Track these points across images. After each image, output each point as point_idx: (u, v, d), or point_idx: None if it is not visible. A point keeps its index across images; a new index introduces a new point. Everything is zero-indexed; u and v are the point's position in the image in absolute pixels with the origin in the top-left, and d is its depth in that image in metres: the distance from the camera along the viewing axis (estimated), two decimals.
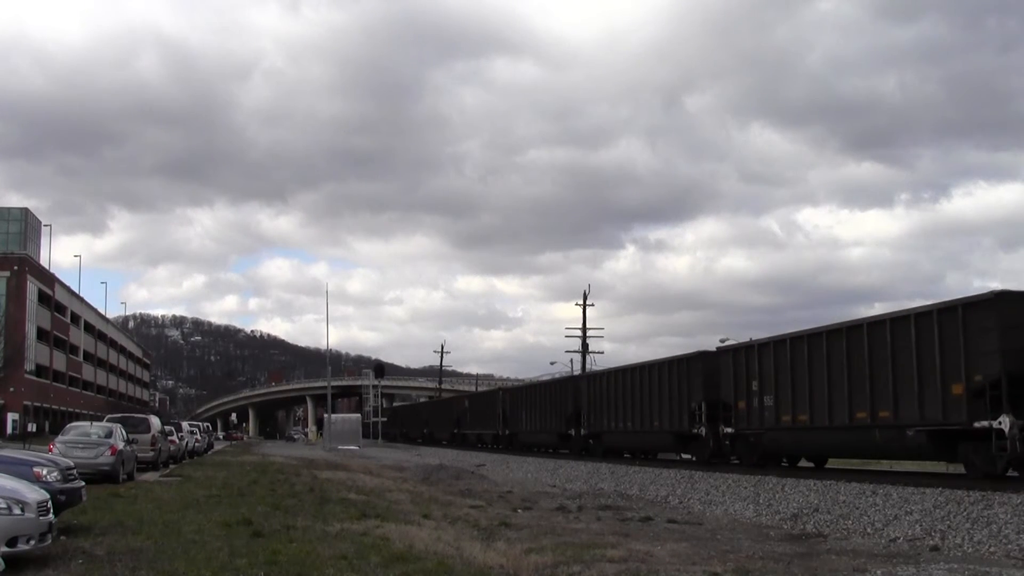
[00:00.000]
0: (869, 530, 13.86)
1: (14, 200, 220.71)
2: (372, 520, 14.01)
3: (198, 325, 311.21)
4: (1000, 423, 14.74)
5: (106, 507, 14.79)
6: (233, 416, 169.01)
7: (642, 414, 27.91)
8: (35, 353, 69.91)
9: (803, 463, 23.29)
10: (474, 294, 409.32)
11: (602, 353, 75.08)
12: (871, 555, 11.43)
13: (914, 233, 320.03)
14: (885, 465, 24.44)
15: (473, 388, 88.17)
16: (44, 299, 75.11)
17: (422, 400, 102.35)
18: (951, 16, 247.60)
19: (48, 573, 8.89)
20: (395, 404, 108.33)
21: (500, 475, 30.19)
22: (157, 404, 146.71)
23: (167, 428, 34.28)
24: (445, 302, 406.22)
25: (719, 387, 23.39)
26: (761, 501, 17.48)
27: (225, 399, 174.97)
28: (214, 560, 9.54)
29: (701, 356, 25.11)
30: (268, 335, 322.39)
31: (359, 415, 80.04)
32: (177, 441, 35.31)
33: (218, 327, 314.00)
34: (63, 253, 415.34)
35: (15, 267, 68.91)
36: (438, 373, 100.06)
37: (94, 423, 25.89)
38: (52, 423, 68.00)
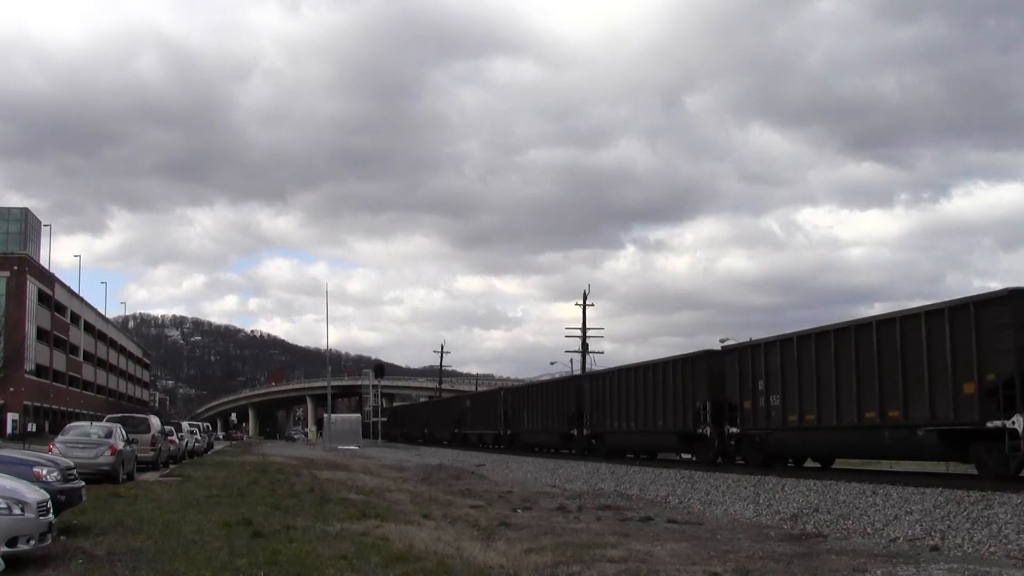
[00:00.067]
0: (869, 530, 13.87)
1: (14, 200, 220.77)
2: (372, 520, 14.01)
3: (198, 325, 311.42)
4: (1014, 423, 14.52)
5: (106, 507, 14.79)
6: (233, 416, 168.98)
7: (645, 414, 27.74)
8: (35, 353, 69.90)
9: (809, 463, 23.09)
10: (474, 294, 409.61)
11: (602, 353, 75.04)
12: (871, 555, 11.44)
13: (914, 233, 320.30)
14: (885, 465, 24.37)
15: (473, 388, 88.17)
16: (44, 299, 75.11)
17: (422, 400, 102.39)
18: (951, 16, 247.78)
19: (48, 573, 8.89)
20: (395, 404, 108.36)
21: (500, 475, 30.19)
22: (157, 404, 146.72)
23: (167, 428, 34.28)
24: (445, 302, 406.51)
25: (724, 387, 23.22)
26: (761, 501, 17.48)
27: (225, 399, 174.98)
28: (214, 560, 9.54)
29: (706, 355, 24.93)
30: (268, 335, 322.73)
31: (359, 415, 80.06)
32: (177, 441, 35.31)
33: (218, 327, 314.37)
34: (63, 253, 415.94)
35: (15, 267, 68.89)
36: (438, 373, 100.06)
37: (94, 423, 25.90)
38: (52, 423, 67.99)
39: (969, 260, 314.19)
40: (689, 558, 11.02)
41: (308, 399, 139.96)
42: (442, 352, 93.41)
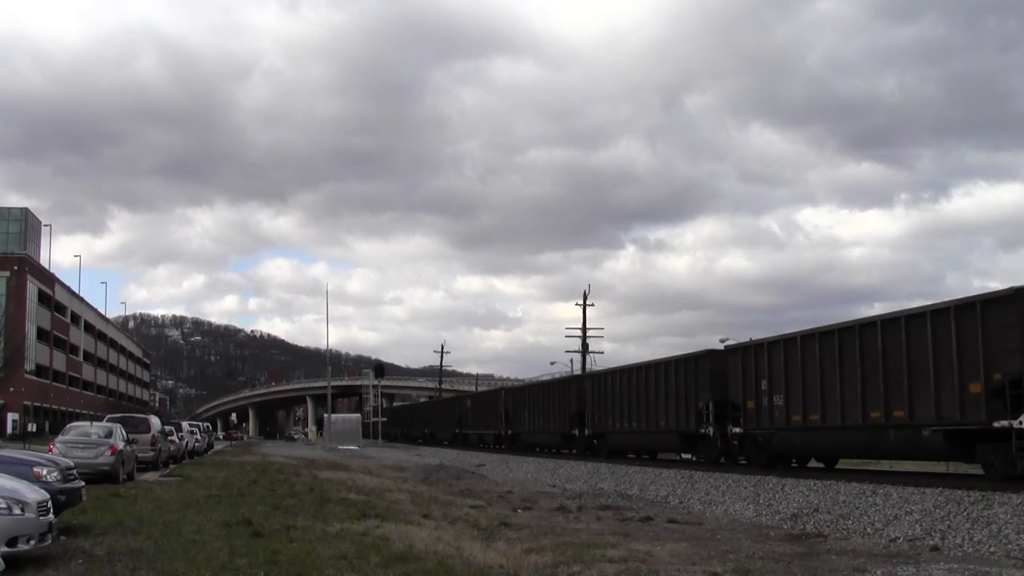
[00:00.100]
0: (869, 530, 13.87)
1: (14, 200, 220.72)
2: (372, 520, 14.01)
3: (198, 325, 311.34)
4: (1021, 423, 14.37)
5: (106, 507, 14.79)
6: (233, 416, 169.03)
7: (648, 414, 27.60)
8: (35, 353, 69.90)
9: (812, 464, 22.94)
10: (474, 294, 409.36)
11: (602, 353, 74.95)
12: (871, 555, 11.44)
13: (914, 233, 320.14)
14: (885, 465, 24.33)
15: (473, 388, 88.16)
16: (44, 299, 75.12)
17: (422, 400, 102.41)
18: (950, 16, 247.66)
19: (48, 573, 8.89)
20: (395, 404, 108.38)
21: (500, 475, 30.20)
22: (157, 404, 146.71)
23: (167, 428, 34.28)
24: (445, 302, 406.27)
25: (727, 386, 23.09)
26: (761, 501, 17.48)
27: (225, 399, 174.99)
28: (214, 560, 9.54)
29: (708, 355, 24.81)
30: (268, 335, 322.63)
31: (359, 415, 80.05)
32: (177, 441, 35.31)
33: (218, 327, 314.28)
34: (63, 253, 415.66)
35: (15, 267, 68.91)
36: (438, 373, 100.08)
37: (94, 423, 25.90)
38: (52, 423, 67.99)
39: (969, 260, 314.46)
40: (689, 558, 11.02)
41: (308, 399, 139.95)
42: (442, 352, 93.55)
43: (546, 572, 9.85)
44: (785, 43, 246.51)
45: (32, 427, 62.95)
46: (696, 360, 25.12)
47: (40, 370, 72.94)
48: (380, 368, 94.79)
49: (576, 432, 34.21)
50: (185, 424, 44.62)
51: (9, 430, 59.17)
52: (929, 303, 17.35)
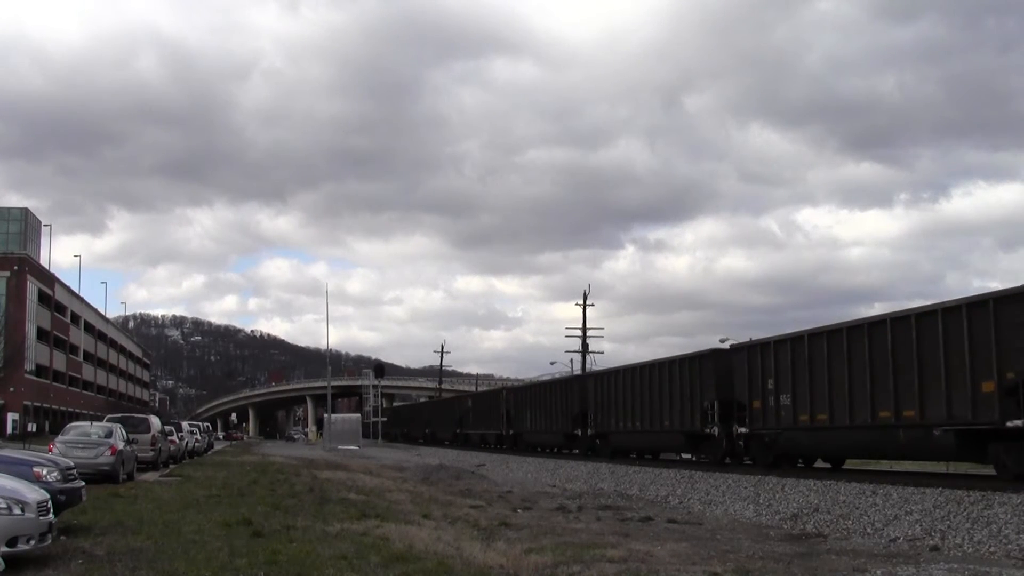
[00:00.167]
0: (869, 530, 13.86)
1: (14, 200, 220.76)
2: (372, 520, 14.01)
3: (198, 325, 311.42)
4: None
5: (106, 507, 14.79)
6: (233, 416, 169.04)
7: (651, 414, 27.32)
8: (35, 353, 69.90)
9: (819, 464, 22.70)
10: (474, 294, 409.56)
11: (602, 353, 74.96)
12: (871, 555, 11.44)
13: (914, 233, 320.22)
14: (885, 465, 24.30)
15: (473, 388, 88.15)
16: (44, 299, 75.13)
17: (422, 400, 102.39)
18: (950, 16, 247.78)
19: (48, 573, 8.89)
20: (395, 404, 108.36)
21: (500, 475, 30.19)
22: (157, 404, 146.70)
23: (167, 428, 34.29)
24: (445, 302, 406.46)
25: (733, 386, 22.80)
26: (761, 501, 17.48)
27: (225, 399, 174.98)
28: (214, 560, 9.54)
29: (713, 354, 24.60)
30: (268, 335, 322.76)
31: (359, 415, 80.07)
32: (177, 441, 35.32)
33: (218, 327, 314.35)
34: (63, 253, 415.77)
35: (15, 267, 68.92)
36: (438, 373, 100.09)
37: (94, 423, 25.91)
38: (52, 423, 68.00)
39: (969, 260, 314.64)
40: (689, 558, 11.02)
41: (308, 399, 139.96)
42: (442, 352, 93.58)
43: (546, 572, 9.85)
44: (785, 43, 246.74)
45: (32, 427, 62.94)
46: (701, 359, 24.86)
47: (40, 370, 72.94)
48: (380, 368, 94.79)
49: (579, 432, 33.97)
50: (185, 424, 44.63)
51: (9, 430, 59.16)
52: (930, 303, 17.25)
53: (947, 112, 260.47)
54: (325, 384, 72.30)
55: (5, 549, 8.77)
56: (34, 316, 71.59)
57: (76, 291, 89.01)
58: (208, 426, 64.36)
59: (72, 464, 13.27)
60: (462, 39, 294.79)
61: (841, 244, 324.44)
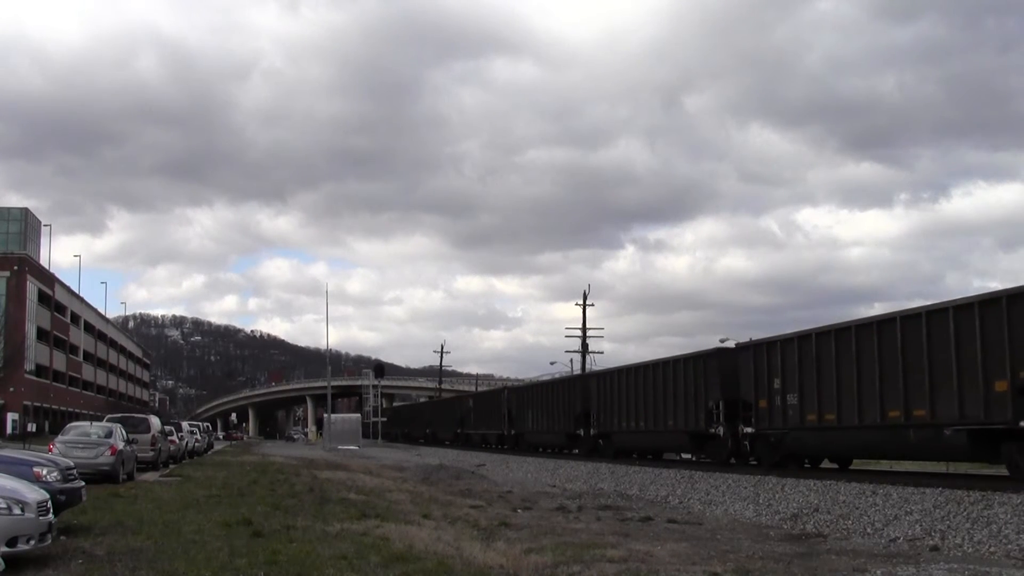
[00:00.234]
0: (869, 530, 13.86)
1: (14, 200, 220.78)
2: (372, 520, 14.01)
3: (198, 325, 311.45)
4: None
5: (106, 507, 14.79)
6: (233, 416, 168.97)
7: (655, 413, 27.08)
8: (35, 353, 69.92)
9: (825, 464, 22.44)
10: (474, 294, 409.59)
11: (602, 353, 74.98)
12: (871, 555, 11.43)
13: (913, 233, 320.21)
14: (885, 465, 24.28)
15: (473, 388, 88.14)
16: (44, 299, 75.14)
17: (422, 400, 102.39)
18: (950, 16, 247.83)
19: (48, 573, 8.89)
20: (395, 404, 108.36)
21: (500, 475, 30.18)
22: (157, 404, 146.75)
23: (167, 428, 34.28)
24: (445, 302, 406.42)
25: (738, 385, 22.59)
26: (761, 501, 17.47)
27: (225, 399, 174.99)
28: (214, 560, 9.54)
29: (718, 353, 24.41)
30: (268, 335, 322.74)
31: (359, 415, 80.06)
32: (177, 441, 35.32)
33: (218, 327, 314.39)
34: (63, 253, 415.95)
35: (15, 267, 68.94)
36: (438, 373, 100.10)
37: (94, 423, 25.91)
38: (52, 423, 68.00)
39: (969, 260, 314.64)
40: (689, 558, 11.02)
41: (308, 399, 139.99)
42: (442, 352, 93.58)
43: (546, 572, 9.85)
44: (785, 43, 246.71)
45: (32, 427, 62.94)
46: (706, 358, 24.63)
47: (40, 370, 72.95)
48: (380, 368, 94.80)
49: (581, 432, 33.71)
50: (185, 424, 44.63)
51: (9, 430, 59.17)
52: (930, 303, 17.12)
53: (947, 112, 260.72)
54: (325, 384, 72.30)
55: (5, 549, 8.77)
56: (34, 316, 71.60)
57: (76, 291, 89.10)
58: (208, 426, 64.36)
59: (72, 464, 13.26)
60: (462, 39, 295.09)
61: (841, 244, 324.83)
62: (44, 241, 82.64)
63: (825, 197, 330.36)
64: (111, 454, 21.33)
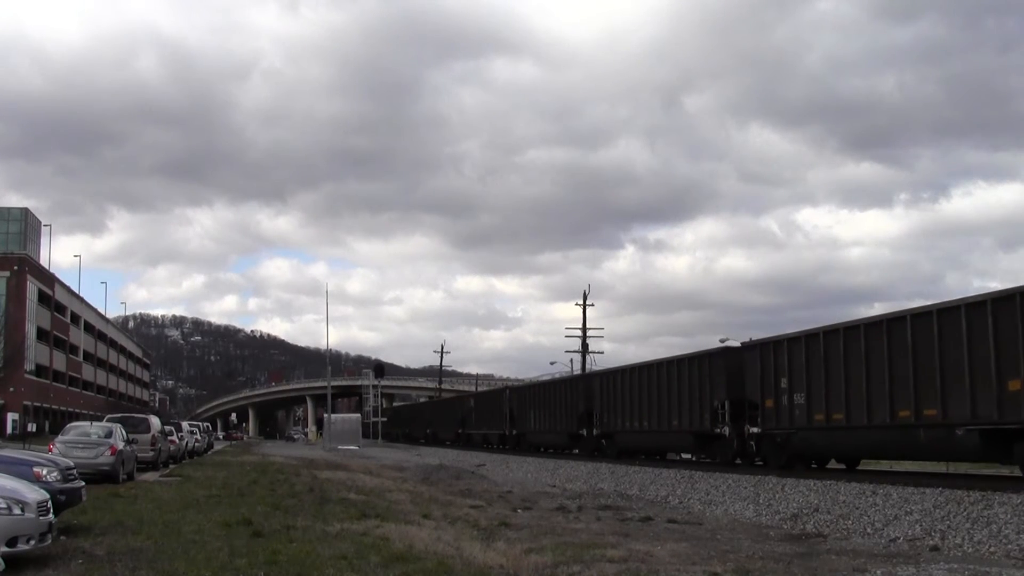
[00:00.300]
0: (869, 530, 13.86)
1: (14, 200, 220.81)
2: (372, 520, 14.01)
3: (198, 325, 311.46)
4: None
5: (106, 507, 14.79)
6: (233, 416, 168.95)
7: (659, 413, 26.83)
8: (35, 353, 69.92)
9: (832, 465, 22.24)
10: (473, 294, 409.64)
11: (602, 353, 74.83)
12: (871, 555, 11.43)
13: (913, 233, 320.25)
14: (885, 465, 24.25)
15: (473, 388, 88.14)
16: (44, 299, 75.14)
17: (422, 400, 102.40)
18: (950, 16, 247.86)
19: (48, 573, 8.89)
20: (395, 404, 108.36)
21: (500, 475, 30.18)
22: (157, 404, 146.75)
23: (167, 428, 34.28)
24: (445, 302, 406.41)
25: (744, 384, 22.34)
26: (761, 501, 17.47)
27: (225, 399, 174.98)
28: (214, 560, 9.54)
29: (724, 352, 24.21)
30: (268, 335, 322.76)
31: (359, 415, 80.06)
32: (177, 441, 35.32)
33: (218, 327, 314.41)
34: (63, 253, 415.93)
35: (15, 267, 68.94)
36: (438, 373, 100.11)
37: (94, 423, 25.91)
38: (52, 423, 68.00)
39: (969, 260, 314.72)
40: (689, 558, 11.02)
41: (308, 399, 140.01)
42: (442, 352, 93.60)
43: (546, 572, 9.85)
44: (785, 43, 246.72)
45: (32, 427, 62.94)
46: (711, 357, 24.41)
47: (40, 370, 72.95)
48: (380, 368, 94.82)
49: (584, 432, 33.52)
50: (185, 424, 44.63)
51: (9, 430, 59.17)
52: (930, 303, 17.03)
53: (947, 112, 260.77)
54: (325, 384, 72.31)
55: (5, 549, 8.77)
56: (34, 316, 71.60)
57: (76, 291, 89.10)
58: (208, 426, 64.37)
59: (72, 464, 13.26)
60: (462, 39, 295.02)
61: (841, 244, 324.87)
62: (44, 241, 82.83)
63: (825, 197, 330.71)
64: (111, 454, 21.34)
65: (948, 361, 15.86)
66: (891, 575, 9.77)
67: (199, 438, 45.59)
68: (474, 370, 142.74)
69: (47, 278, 77.23)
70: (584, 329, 58.92)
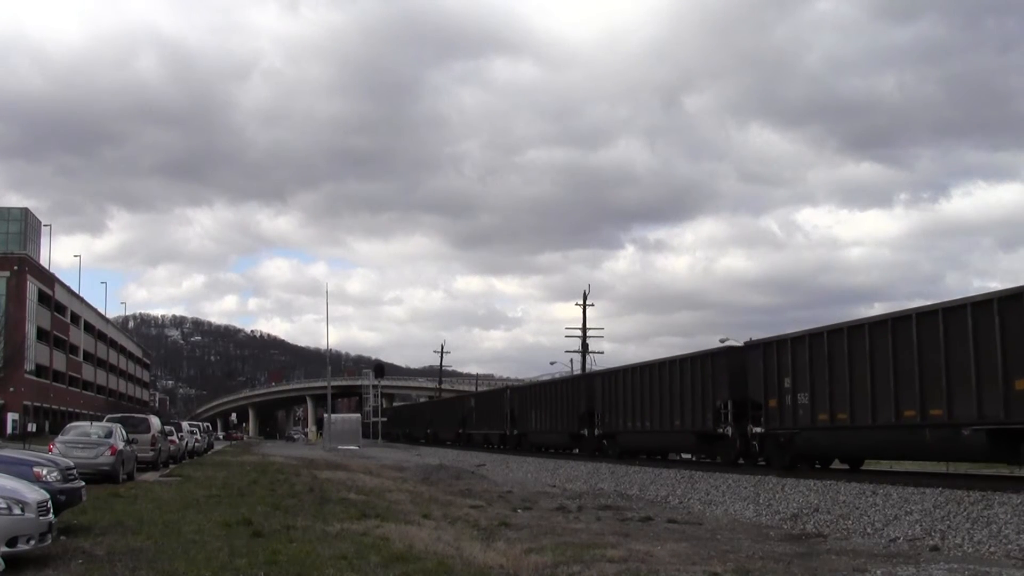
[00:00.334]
0: (869, 530, 13.86)
1: (14, 200, 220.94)
2: (372, 520, 14.01)
3: (198, 325, 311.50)
4: None
5: (106, 507, 14.79)
6: (233, 416, 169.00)
7: (661, 413, 26.70)
8: (35, 353, 69.92)
9: (835, 465, 22.07)
10: (473, 294, 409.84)
11: (602, 353, 74.81)
12: (871, 555, 11.43)
13: (913, 233, 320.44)
14: (885, 465, 24.23)
15: (473, 388, 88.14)
16: (44, 299, 75.14)
17: (422, 400, 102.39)
18: (950, 16, 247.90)
19: (48, 573, 8.89)
20: (395, 404, 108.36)
21: (500, 475, 30.18)
22: (157, 404, 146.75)
23: (167, 428, 34.29)
24: (444, 302, 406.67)
25: (747, 384, 22.22)
26: (761, 501, 17.47)
27: (225, 399, 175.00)
28: (214, 560, 9.54)
29: (727, 351, 24.10)
30: (268, 335, 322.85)
31: (359, 415, 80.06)
32: (177, 441, 35.32)
33: (218, 327, 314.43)
34: (63, 253, 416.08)
35: (15, 267, 68.96)
36: (438, 373, 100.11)
37: (94, 423, 25.91)
38: (52, 423, 68.00)
39: (969, 260, 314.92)
40: (689, 558, 11.02)
41: (308, 399, 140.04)
42: (442, 352, 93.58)
43: (546, 572, 9.85)
44: (784, 43, 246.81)
45: (32, 427, 62.95)
46: (714, 357, 24.30)
47: (40, 370, 72.95)
48: (380, 368, 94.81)
49: (585, 432, 33.42)
50: (185, 424, 44.65)
51: (9, 430, 59.17)
52: (931, 302, 16.97)
53: (947, 112, 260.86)
54: (325, 384, 72.30)
55: (5, 549, 8.77)
56: (34, 316, 71.60)
57: (76, 291, 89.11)
58: (208, 426, 64.37)
59: (72, 464, 13.27)
60: (462, 39, 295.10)
61: (841, 244, 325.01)
62: (44, 241, 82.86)
63: (825, 197, 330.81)
64: (111, 454, 21.34)
65: (954, 360, 15.71)
66: (891, 575, 9.77)
67: (199, 438, 45.60)
68: (474, 370, 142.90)
69: (47, 278, 77.23)
70: (584, 329, 58.98)
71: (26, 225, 77.82)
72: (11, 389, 61.26)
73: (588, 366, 55.78)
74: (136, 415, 34.52)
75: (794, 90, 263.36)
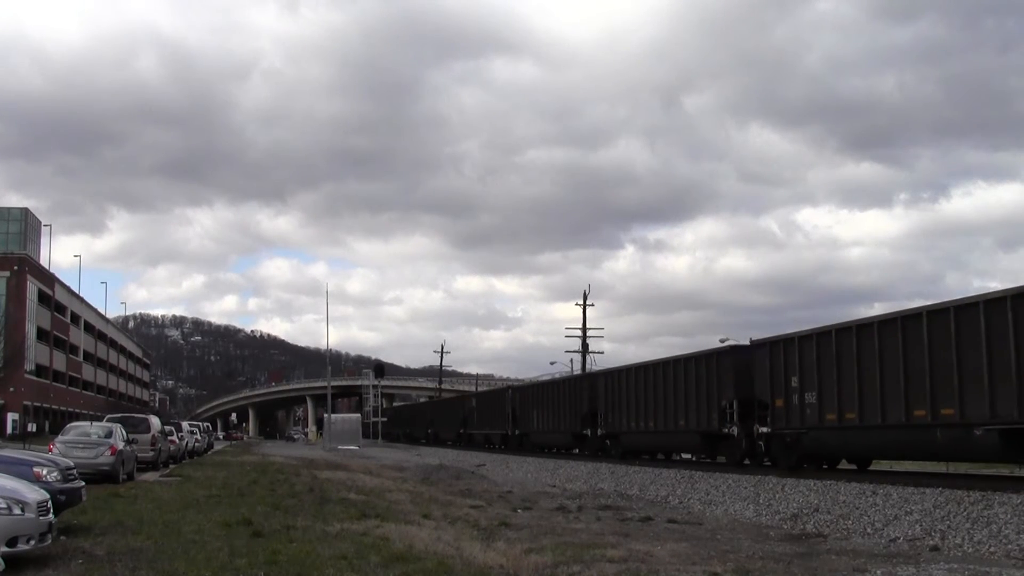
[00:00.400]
0: (869, 530, 13.86)
1: (14, 200, 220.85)
2: (372, 520, 14.01)
3: (198, 325, 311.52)
4: None
5: (106, 507, 14.80)
6: (233, 416, 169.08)
7: (665, 413, 26.52)
8: (35, 353, 69.93)
9: (842, 465, 21.91)
10: (473, 294, 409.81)
11: (602, 353, 74.68)
12: (871, 555, 11.44)
13: (913, 233, 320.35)
14: (885, 465, 24.21)
15: (473, 388, 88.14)
16: (44, 299, 75.15)
17: (422, 400, 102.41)
18: (950, 16, 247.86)
19: (48, 573, 8.89)
20: (395, 404, 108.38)
21: (500, 475, 30.18)
22: (157, 404, 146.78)
23: (167, 428, 34.30)
24: (444, 302, 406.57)
25: (753, 383, 22.03)
26: (761, 501, 17.47)
27: (225, 399, 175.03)
28: (214, 560, 9.54)
29: (732, 350, 23.92)
30: (268, 335, 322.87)
31: (359, 415, 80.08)
32: (177, 441, 35.33)
33: (218, 327, 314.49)
34: (63, 253, 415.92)
35: (15, 267, 68.97)
36: (438, 373, 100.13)
37: (94, 423, 25.92)
38: (52, 423, 68.01)
39: (968, 260, 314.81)
40: (689, 558, 11.02)
41: (308, 399, 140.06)
42: (442, 352, 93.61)
43: (546, 572, 9.85)
44: (784, 43, 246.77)
45: (32, 427, 62.98)
46: (719, 356, 24.12)
47: (40, 370, 72.95)
48: (380, 368, 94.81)
49: (588, 432, 33.24)
50: (185, 424, 44.66)
51: (9, 430, 59.18)
52: (930, 302, 16.92)
53: (947, 112, 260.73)
54: (325, 384, 72.31)
55: (5, 549, 8.77)
56: (34, 316, 71.60)
57: (76, 291, 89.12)
58: (208, 426, 64.40)
59: (72, 464, 13.27)
60: (462, 39, 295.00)
61: (841, 244, 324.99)
62: (44, 241, 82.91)
63: (825, 197, 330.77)
64: (111, 454, 21.34)
65: (966, 359, 15.48)
66: (891, 575, 9.77)
67: (199, 438, 45.61)
68: (474, 370, 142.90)
69: (47, 278, 77.24)
70: (584, 329, 59.00)
71: (26, 225, 77.85)
72: (11, 389, 61.27)
73: (588, 366, 55.82)
74: (136, 415, 34.53)
75: (794, 90, 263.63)
